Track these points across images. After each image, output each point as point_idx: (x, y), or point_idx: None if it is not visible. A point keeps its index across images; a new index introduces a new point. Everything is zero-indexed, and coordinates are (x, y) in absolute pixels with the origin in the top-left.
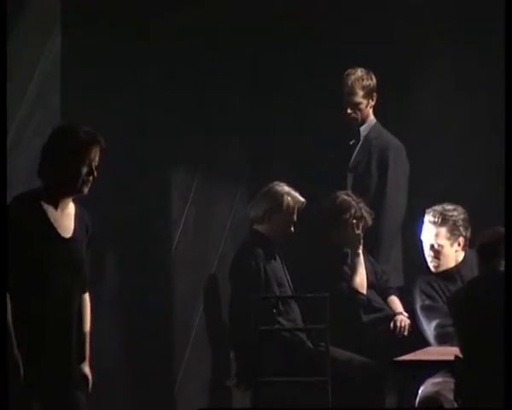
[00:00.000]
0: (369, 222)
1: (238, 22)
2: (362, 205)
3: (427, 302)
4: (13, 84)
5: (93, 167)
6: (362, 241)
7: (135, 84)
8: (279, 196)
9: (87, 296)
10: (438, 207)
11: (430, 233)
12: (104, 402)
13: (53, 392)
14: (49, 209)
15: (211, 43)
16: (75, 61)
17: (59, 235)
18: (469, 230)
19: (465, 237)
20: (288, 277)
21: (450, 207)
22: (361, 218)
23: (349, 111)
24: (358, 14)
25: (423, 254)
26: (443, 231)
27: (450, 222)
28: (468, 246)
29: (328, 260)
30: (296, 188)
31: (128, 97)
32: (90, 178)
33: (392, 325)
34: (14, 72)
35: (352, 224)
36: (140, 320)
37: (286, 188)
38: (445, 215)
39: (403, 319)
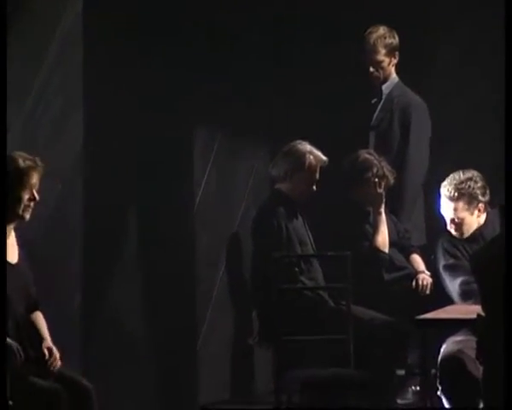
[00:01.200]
0: (391, 181)
1: None
2: (384, 164)
3: (450, 261)
4: (34, 42)
5: (34, 193)
6: (384, 200)
7: (158, 42)
8: (301, 155)
9: (38, 313)
10: (452, 181)
11: (449, 208)
12: (127, 359)
13: None
14: None
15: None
16: (97, 16)
17: (6, 261)
18: (488, 193)
19: (484, 202)
20: (310, 235)
21: (464, 177)
22: (383, 177)
23: (371, 69)
24: None
25: (441, 219)
26: (460, 204)
27: (467, 195)
28: (490, 207)
29: (350, 218)
30: (318, 147)
31: (151, 56)
32: (32, 203)
33: (414, 283)
34: (35, 30)
35: (374, 183)
36: (162, 278)
37: (308, 146)
38: (460, 189)
39: (425, 278)
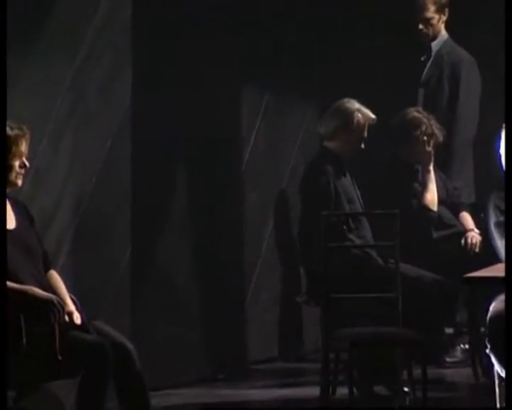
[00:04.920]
0: (440, 138)
1: None
2: (433, 121)
3: (501, 218)
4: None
5: (24, 160)
6: (432, 157)
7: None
8: (349, 113)
9: (53, 272)
10: None
11: None
12: (175, 316)
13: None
14: None
15: None
16: None
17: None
18: None
19: None
20: (359, 193)
21: None
22: (432, 134)
23: (420, 27)
24: None
25: (501, 169)
26: None
27: None
28: None
29: (399, 176)
30: (366, 105)
31: (201, 13)
32: (23, 170)
33: (463, 241)
34: None
35: (423, 140)
36: (211, 236)
37: (356, 104)
38: None
39: (474, 236)
